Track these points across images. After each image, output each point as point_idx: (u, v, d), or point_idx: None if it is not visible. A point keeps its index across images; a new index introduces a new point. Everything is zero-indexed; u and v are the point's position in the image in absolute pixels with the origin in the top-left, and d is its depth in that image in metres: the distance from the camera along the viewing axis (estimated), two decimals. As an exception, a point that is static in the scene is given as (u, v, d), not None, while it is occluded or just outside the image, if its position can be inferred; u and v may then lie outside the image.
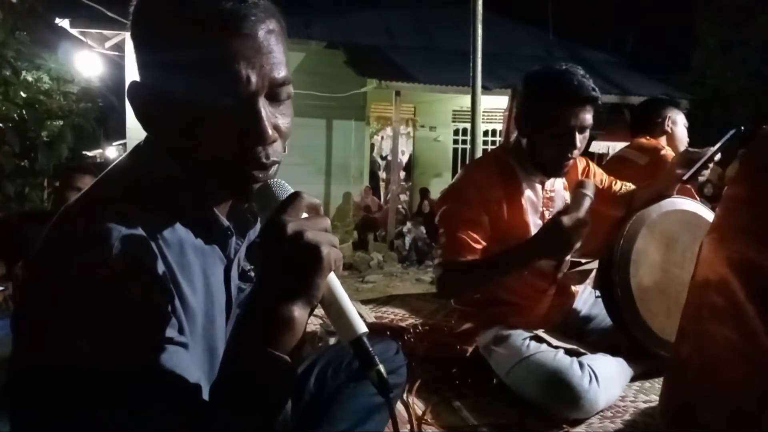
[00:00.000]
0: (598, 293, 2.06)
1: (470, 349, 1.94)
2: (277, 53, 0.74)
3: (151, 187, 0.77)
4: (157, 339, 0.68)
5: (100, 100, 8.38)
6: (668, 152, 2.60)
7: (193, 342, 0.75)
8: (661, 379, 1.58)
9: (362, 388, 1.20)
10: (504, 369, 1.79)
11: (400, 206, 9.83)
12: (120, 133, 10.61)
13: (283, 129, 0.78)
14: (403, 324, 2.56)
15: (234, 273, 0.88)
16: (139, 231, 0.71)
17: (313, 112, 9.01)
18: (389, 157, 10.66)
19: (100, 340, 0.65)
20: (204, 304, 0.80)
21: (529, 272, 1.80)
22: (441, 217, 1.84)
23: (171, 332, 0.70)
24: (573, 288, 2.07)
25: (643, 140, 2.73)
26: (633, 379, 1.86)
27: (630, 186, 2.12)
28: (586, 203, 1.66)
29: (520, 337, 1.81)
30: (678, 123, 2.77)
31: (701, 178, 1.93)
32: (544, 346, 1.77)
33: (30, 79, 6.29)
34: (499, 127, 10.19)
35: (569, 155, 1.74)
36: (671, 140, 2.73)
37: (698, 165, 1.86)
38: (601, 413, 1.69)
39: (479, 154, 6.26)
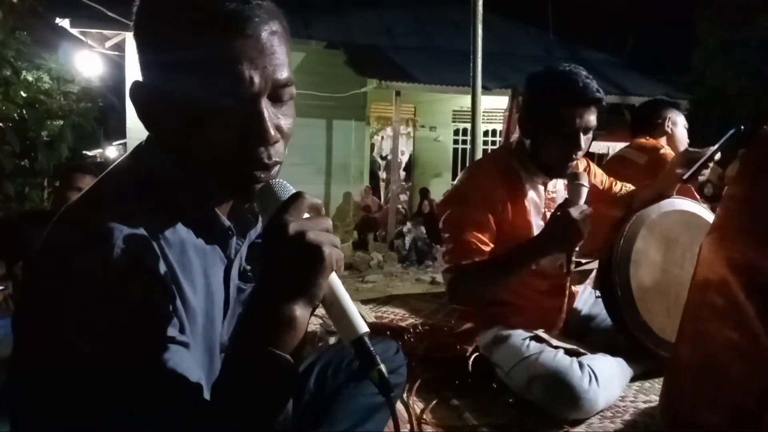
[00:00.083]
0: (597, 293, 2.06)
1: (470, 349, 1.93)
2: (280, 54, 0.74)
3: (153, 187, 0.77)
4: (158, 339, 0.69)
5: (100, 99, 8.38)
6: (667, 152, 2.61)
7: (193, 341, 0.76)
8: (661, 379, 1.58)
9: (362, 387, 1.20)
10: (504, 369, 1.79)
11: (400, 206, 9.83)
12: (120, 132, 10.61)
13: (285, 130, 0.78)
14: (403, 324, 2.56)
15: (234, 273, 0.88)
16: (141, 231, 0.71)
17: (313, 112, 9.01)
18: (389, 157, 10.67)
19: (102, 339, 0.65)
20: (204, 304, 0.80)
21: (530, 272, 1.80)
22: (446, 222, 1.83)
23: (172, 332, 0.71)
24: (573, 288, 2.07)
25: (642, 140, 2.73)
26: (633, 379, 1.86)
27: (630, 187, 2.12)
28: (584, 193, 1.66)
29: (520, 337, 1.80)
30: (678, 124, 2.77)
31: (701, 178, 1.93)
32: (544, 346, 1.77)
33: (30, 78, 6.29)
34: (499, 127, 10.19)
35: (573, 156, 1.74)
36: (671, 141, 2.74)
37: (698, 164, 1.86)
38: (601, 413, 1.69)
39: (479, 154, 6.27)
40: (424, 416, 1.69)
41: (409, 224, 8.42)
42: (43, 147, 5.87)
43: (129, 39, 8.71)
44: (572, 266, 1.65)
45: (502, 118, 9.25)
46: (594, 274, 2.07)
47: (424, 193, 9.60)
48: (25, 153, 5.76)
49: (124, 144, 10.80)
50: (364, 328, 0.69)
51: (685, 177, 1.88)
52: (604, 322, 2.03)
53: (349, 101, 9.54)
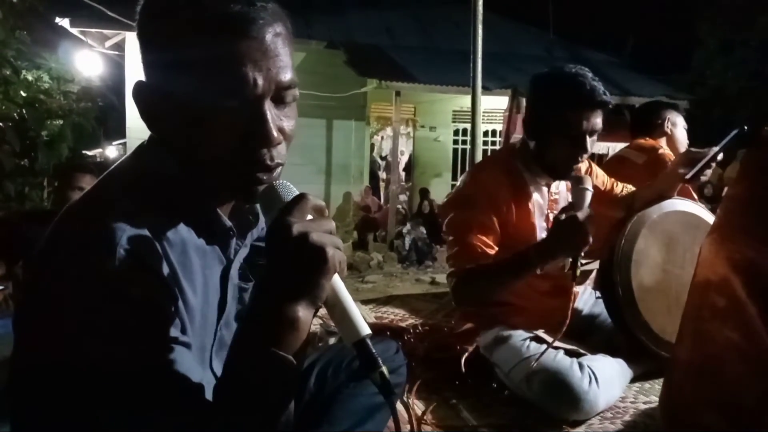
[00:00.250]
0: (598, 294, 2.06)
1: (470, 350, 1.93)
2: (284, 56, 0.75)
3: (155, 187, 0.77)
4: (161, 339, 0.69)
5: (100, 99, 8.37)
6: (666, 152, 2.62)
7: (192, 341, 0.76)
8: (662, 380, 1.58)
9: (362, 387, 1.20)
10: (504, 370, 1.79)
11: (400, 206, 9.83)
12: (120, 132, 10.60)
13: (287, 131, 0.78)
14: (403, 324, 2.56)
15: (234, 273, 0.88)
16: (145, 231, 0.71)
17: (313, 112, 9.01)
18: (389, 157, 10.66)
19: (104, 340, 0.65)
20: (201, 304, 0.80)
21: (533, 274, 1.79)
22: (449, 225, 1.82)
23: (174, 332, 0.71)
24: (574, 288, 2.07)
25: (642, 141, 2.74)
26: (633, 380, 1.86)
27: (630, 188, 2.12)
28: (588, 197, 1.66)
29: (520, 337, 1.80)
30: (678, 125, 2.78)
31: (703, 178, 1.93)
32: (545, 347, 1.77)
33: (30, 78, 6.29)
34: (499, 127, 10.19)
35: (579, 159, 1.74)
36: (671, 142, 2.74)
37: (701, 165, 1.85)
38: (601, 414, 1.69)
39: (479, 154, 6.27)
40: (425, 417, 1.69)
41: (409, 224, 8.41)
42: (43, 146, 5.88)
43: (129, 39, 8.72)
44: (578, 271, 1.64)
45: (502, 118, 9.24)
46: (594, 274, 2.07)
47: (424, 193, 9.60)
48: (25, 152, 5.77)
49: (124, 144, 10.79)
50: (366, 330, 0.69)
51: (687, 177, 1.87)
52: (605, 323, 2.03)
53: (349, 101, 9.54)
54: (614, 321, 1.94)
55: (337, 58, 9.19)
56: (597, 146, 8.92)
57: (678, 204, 2.00)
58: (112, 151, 15.13)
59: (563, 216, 1.65)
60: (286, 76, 0.75)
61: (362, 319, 0.70)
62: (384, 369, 0.68)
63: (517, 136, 7.02)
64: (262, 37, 0.72)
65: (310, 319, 0.68)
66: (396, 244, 8.26)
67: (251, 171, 0.75)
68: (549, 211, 1.90)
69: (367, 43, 9.94)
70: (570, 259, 1.66)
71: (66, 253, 0.68)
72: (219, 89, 0.71)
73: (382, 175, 11.62)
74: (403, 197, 10.46)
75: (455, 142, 11.03)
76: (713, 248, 1.39)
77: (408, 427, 1.56)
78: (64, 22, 8.67)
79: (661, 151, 2.61)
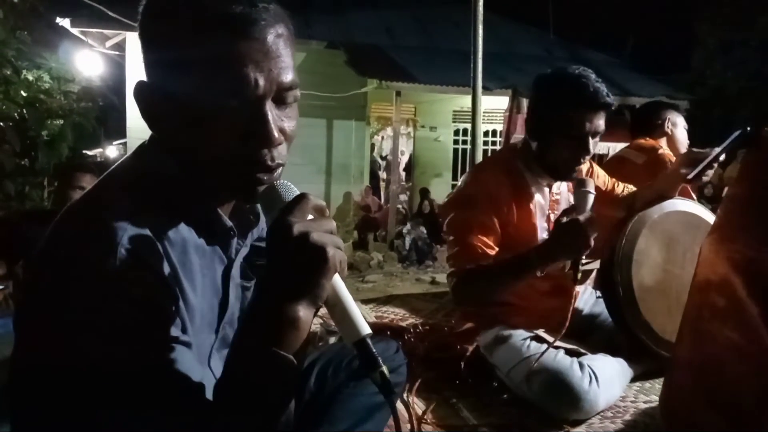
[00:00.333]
0: (598, 293, 2.06)
1: (471, 349, 1.93)
2: (285, 57, 0.75)
3: (155, 187, 0.77)
4: (162, 338, 0.69)
5: (100, 99, 8.38)
6: (666, 152, 2.62)
7: (192, 341, 0.76)
8: (662, 379, 1.58)
9: (362, 387, 1.20)
10: (504, 369, 1.79)
11: (400, 206, 9.82)
12: (120, 132, 10.60)
13: (288, 132, 0.78)
14: (404, 324, 2.56)
15: (235, 272, 0.88)
16: (145, 231, 0.71)
17: (313, 112, 9.01)
18: (389, 157, 10.66)
19: (106, 339, 0.65)
20: (202, 304, 0.80)
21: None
22: (450, 225, 1.82)
23: (175, 331, 0.71)
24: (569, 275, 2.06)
25: (641, 141, 2.74)
26: (633, 380, 1.86)
27: (631, 188, 2.12)
28: (590, 200, 1.66)
29: (520, 337, 1.80)
30: (678, 125, 2.78)
31: (705, 178, 1.92)
32: (545, 346, 1.77)
33: (31, 78, 6.29)
34: (499, 127, 10.18)
35: (581, 160, 1.74)
36: (671, 142, 2.74)
37: (704, 165, 1.84)
38: (602, 414, 1.69)
39: (480, 154, 6.26)
40: (425, 416, 1.69)
41: (409, 224, 8.41)
42: (43, 146, 5.88)
43: (129, 39, 8.71)
44: (579, 275, 1.64)
45: (502, 118, 9.24)
46: (594, 274, 2.07)
47: (425, 193, 9.60)
48: (25, 152, 5.77)
49: (125, 143, 10.79)
50: (366, 330, 0.69)
51: (690, 176, 1.86)
52: (605, 322, 2.03)
53: (349, 101, 9.54)
54: (615, 320, 1.94)
55: (338, 58, 9.19)
56: (597, 146, 8.91)
57: (679, 204, 2.00)
58: (112, 151, 15.14)
59: (565, 218, 1.65)
60: (288, 77, 0.75)
61: (363, 318, 0.70)
62: (384, 368, 0.69)
63: (518, 136, 7.02)
64: (263, 38, 0.72)
65: (310, 318, 0.68)
66: (396, 243, 8.26)
67: (252, 171, 0.76)
68: (550, 211, 1.90)
69: (367, 43, 9.93)
70: (571, 262, 1.66)
71: (67, 253, 0.68)
72: (221, 90, 0.71)
73: (383, 175, 11.62)
74: (403, 197, 10.46)
75: (455, 142, 11.03)
76: (713, 248, 1.39)
77: (408, 426, 1.56)
78: (64, 22, 8.66)
79: (660, 151, 2.61)
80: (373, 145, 11.40)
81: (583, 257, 1.63)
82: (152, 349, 0.68)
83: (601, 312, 2.06)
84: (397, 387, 1.39)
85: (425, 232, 8.12)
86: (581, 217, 1.58)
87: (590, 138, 1.71)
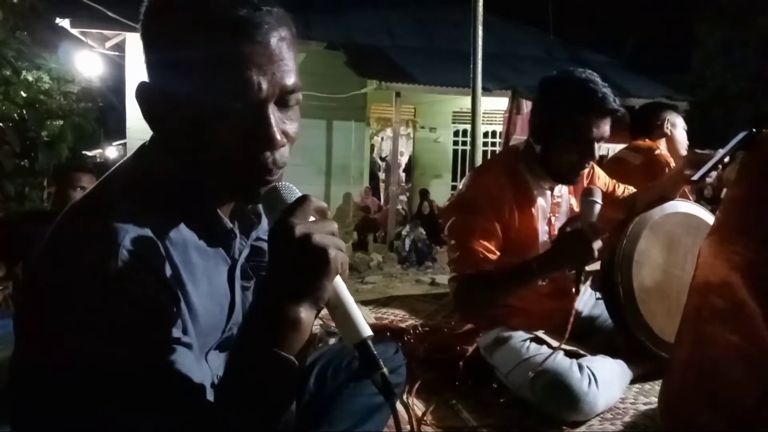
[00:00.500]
0: (598, 295, 2.06)
1: (470, 350, 1.93)
2: (288, 61, 0.75)
3: (157, 188, 0.77)
4: (163, 339, 0.69)
5: (100, 100, 8.36)
6: (663, 153, 2.62)
7: (196, 342, 0.76)
8: (661, 381, 1.58)
9: (362, 388, 1.20)
10: (504, 370, 1.79)
11: (399, 207, 9.82)
12: (120, 133, 10.60)
13: (290, 134, 0.78)
14: (403, 325, 2.56)
15: (238, 273, 0.88)
16: (147, 232, 0.71)
17: (313, 113, 9.00)
18: (389, 158, 10.66)
19: (106, 340, 0.65)
20: (207, 305, 0.80)
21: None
22: (451, 229, 1.81)
23: (177, 332, 0.71)
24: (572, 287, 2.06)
25: (640, 142, 2.74)
26: (633, 381, 1.86)
27: (631, 189, 2.12)
28: (597, 210, 1.65)
29: (520, 338, 1.80)
30: (677, 126, 2.78)
31: (708, 180, 1.91)
32: (544, 347, 1.77)
33: (30, 78, 6.28)
34: (499, 128, 10.18)
35: (586, 165, 1.74)
36: (671, 143, 2.74)
37: (709, 166, 1.82)
38: (601, 415, 1.69)
39: (479, 155, 6.26)
40: (425, 417, 1.69)
41: (408, 225, 8.41)
42: (43, 147, 5.87)
43: (129, 39, 8.71)
44: (582, 285, 1.63)
45: (502, 119, 9.24)
46: (594, 275, 2.07)
47: (424, 194, 9.60)
48: (25, 153, 5.76)
49: (124, 144, 10.78)
50: (368, 332, 0.70)
51: (695, 178, 1.85)
52: (605, 324, 2.03)
53: (349, 102, 9.54)
54: (615, 321, 1.94)
55: (337, 58, 9.19)
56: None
57: (680, 205, 2.00)
58: (112, 152, 15.15)
59: (569, 228, 1.64)
60: (291, 80, 0.75)
61: (364, 320, 0.71)
62: (385, 370, 0.69)
63: (517, 137, 7.01)
64: (267, 41, 0.72)
65: (312, 320, 0.68)
66: (396, 244, 8.26)
67: (254, 173, 0.76)
68: (551, 215, 1.90)
69: (367, 44, 9.93)
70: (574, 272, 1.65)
71: (68, 254, 0.68)
72: (224, 92, 0.71)
73: (382, 175, 11.61)
74: (403, 198, 10.46)
75: (455, 143, 11.04)
76: (713, 250, 1.39)
77: (408, 427, 1.56)
78: (64, 23, 8.66)
79: (657, 152, 2.62)
80: (372, 146, 11.40)
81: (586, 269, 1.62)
82: (153, 349, 0.68)
83: (601, 313, 2.06)
84: (397, 388, 1.39)
85: (425, 233, 8.12)
86: (586, 228, 1.57)
87: (596, 143, 1.70)
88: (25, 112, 5.77)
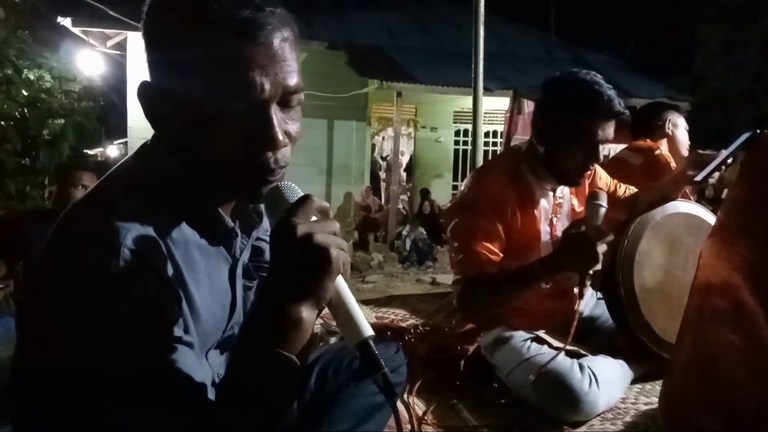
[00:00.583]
0: (599, 295, 2.06)
1: (471, 350, 1.93)
2: (291, 61, 0.75)
3: (159, 187, 0.77)
4: (164, 339, 0.69)
5: (101, 99, 8.36)
6: (662, 153, 2.62)
7: (197, 342, 0.76)
8: (662, 381, 1.58)
9: (363, 387, 1.20)
10: (505, 370, 1.79)
11: (400, 207, 9.82)
12: (121, 131, 10.60)
13: (292, 134, 0.78)
14: (404, 324, 2.56)
15: (239, 272, 0.88)
16: (149, 231, 0.71)
17: (314, 113, 9.00)
18: (390, 158, 10.66)
19: (108, 339, 0.65)
20: (209, 304, 0.80)
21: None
22: (454, 231, 1.80)
23: (178, 332, 0.71)
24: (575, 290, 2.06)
25: (640, 142, 2.74)
26: (634, 381, 1.87)
27: (632, 189, 2.12)
28: (602, 213, 1.64)
29: (521, 338, 1.80)
30: (679, 126, 2.78)
31: (711, 180, 1.91)
32: (545, 347, 1.77)
33: (32, 77, 6.29)
34: (500, 128, 10.18)
35: (590, 167, 1.74)
36: (672, 143, 2.74)
37: (712, 167, 1.81)
38: (602, 415, 1.69)
39: (480, 155, 6.26)
40: (425, 417, 1.69)
41: (409, 225, 8.41)
42: (44, 146, 5.87)
43: (131, 38, 8.71)
44: (586, 289, 1.62)
45: (503, 119, 9.24)
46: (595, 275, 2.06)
47: (425, 193, 9.60)
48: (26, 152, 5.76)
49: (126, 143, 10.79)
50: (369, 332, 0.70)
51: (698, 178, 1.84)
52: (606, 324, 2.03)
53: (350, 102, 9.54)
54: (616, 321, 1.94)
55: (339, 58, 9.18)
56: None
57: (681, 206, 2.00)
58: (113, 151, 15.16)
59: (573, 231, 1.64)
60: (293, 80, 0.75)
61: (365, 320, 0.71)
62: (386, 370, 0.69)
63: (519, 137, 7.00)
64: (270, 42, 0.72)
65: (313, 319, 0.68)
66: (397, 244, 8.26)
67: (256, 173, 0.76)
68: (553, 215, 1.89)
69: (368, 44, 9.93)
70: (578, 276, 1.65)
71: (70, 253, 0.68)
72: (227, 92, 0.71)
73: (383, 175, 11.61)
74: (403, 198, 10.46)
75: (456, 142, 11.03)
76: (714, 251, 1.39)
77: (408, 427, 1.56)
78: (65, 22, 8.66)
79: (657, 152, 2.61)
80: (373, 146, 11.40)
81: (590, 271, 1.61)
82: (155, 349, 0.68)
83: (602, 313, 2.05)
84: (398, 387, 1.39)
85: (426, 232, 8.12)
86: (592, 232, 1.57)
87: (600, 145, 1.70)
88: (26, 110, 5.77)
